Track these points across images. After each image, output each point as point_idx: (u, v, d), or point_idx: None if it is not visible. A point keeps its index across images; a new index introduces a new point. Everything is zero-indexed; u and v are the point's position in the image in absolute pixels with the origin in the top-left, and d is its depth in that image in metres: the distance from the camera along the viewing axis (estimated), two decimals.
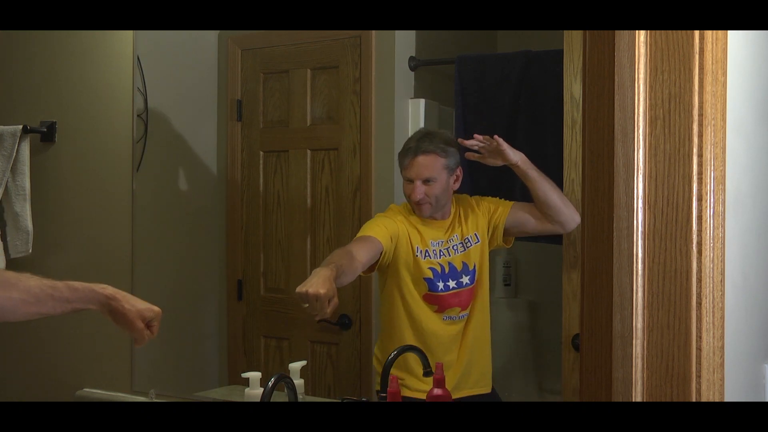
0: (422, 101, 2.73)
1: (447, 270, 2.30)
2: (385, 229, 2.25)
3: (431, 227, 2.32)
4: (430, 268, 2.28)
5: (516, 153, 2.22)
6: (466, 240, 2.33)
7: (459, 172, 2.33)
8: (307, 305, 1.86)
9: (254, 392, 2.10)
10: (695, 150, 1.30)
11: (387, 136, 2.66)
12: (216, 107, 2.95)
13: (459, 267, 2.30)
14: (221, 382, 2.93)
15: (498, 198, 2.36)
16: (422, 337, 2.28)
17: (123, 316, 1.61)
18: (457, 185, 2.34)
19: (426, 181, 2.27)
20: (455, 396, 2.12)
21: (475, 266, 2.32)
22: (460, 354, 2.32)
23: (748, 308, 1.50)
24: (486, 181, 2.58)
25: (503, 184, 2.62)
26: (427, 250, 2.30)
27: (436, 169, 2.27)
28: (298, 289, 1.86)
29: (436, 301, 2.30)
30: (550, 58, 2.46)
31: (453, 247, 2.32)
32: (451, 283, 2.29)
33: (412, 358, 2.20)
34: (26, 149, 2.83)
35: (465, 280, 2.31)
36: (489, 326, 2.37)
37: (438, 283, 2.28)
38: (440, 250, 2.31)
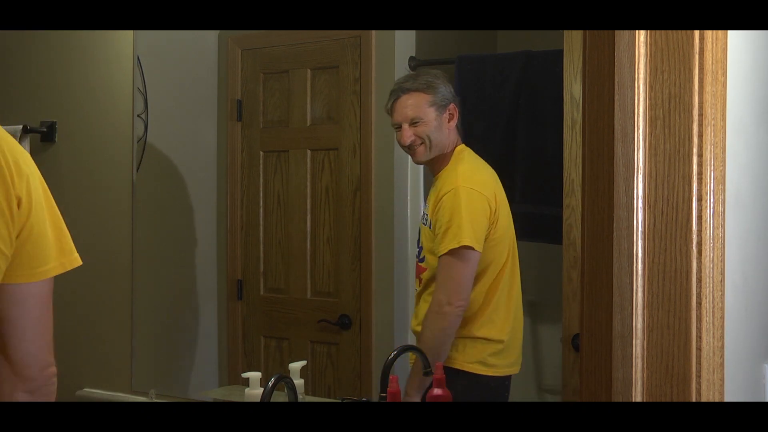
0: None
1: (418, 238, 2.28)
2: None
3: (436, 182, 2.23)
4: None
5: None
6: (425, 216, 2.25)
7: (452, 109, 2.18)
8: None
9: (254, 392, 2.10)
10: (695, 150, 1.30)
11: (387, 136, 2.65)
12: (216, 107, 2.95)
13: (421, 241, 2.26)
14: (221, 382, 2.93)
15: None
16: None
17: None
18: (453, 123, 2.19)
19: (413, 123, 2.14)
20: None
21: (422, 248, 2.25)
22: None
23: (748, 308, 1.50)
24: None
25: (503, 185, 2.62)
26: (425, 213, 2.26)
27: (422, 107, 2.14)
28: None
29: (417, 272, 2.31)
30: (550, 58, 2.46)
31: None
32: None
33: None
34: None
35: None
36: None
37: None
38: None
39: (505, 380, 2.26)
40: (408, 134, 2.15)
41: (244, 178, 2.91)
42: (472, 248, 2.07)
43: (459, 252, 2.07)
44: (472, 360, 2.19)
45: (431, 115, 2.15)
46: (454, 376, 2.14)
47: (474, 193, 2.10)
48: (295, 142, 2.84)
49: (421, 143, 2.16)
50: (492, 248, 2.16)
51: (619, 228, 1.34)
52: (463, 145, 2.24)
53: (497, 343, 2.20)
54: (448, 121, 2.19)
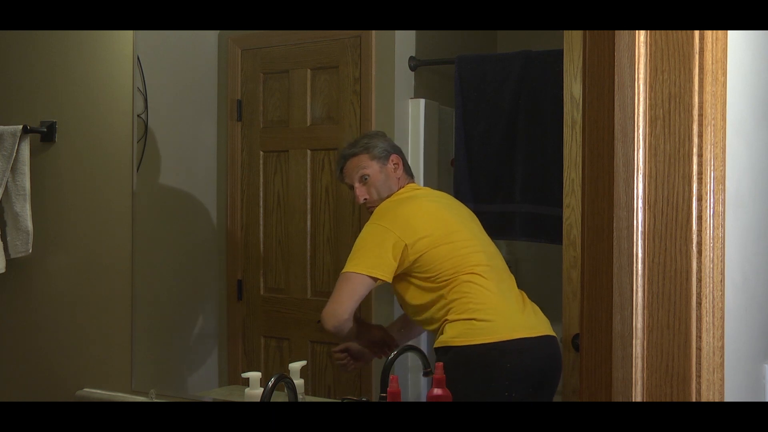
0: (422, 101, 2.73)
1: None
2: None
3: None
4: None
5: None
6: None
7: (395, 159, 2.35)
8: None
9: (254, 392, 2.10)
10: (695, 150, 1.30)
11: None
12: (216, 107, 2.95)
13: None
14: (221, 382, 2.93)
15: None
16: None
17: None
18: (400, 171, 2.36)
19: (363, 181, 2.33)
20: None
21: None
22: None
23: (748, 308, 1.50)
24: (485, 181, 2.58)
25: (503, 185, 2.62)
26: None
27: (365, 165, 2.32)
28: None
29: None
30: (550, 58, 2.46)
31: None
32: None
33: None
34: (26, 149, 2.83)
35: None
36: None
37: None
38: None
39: (498, 347, 2.19)
40: (360, 192, 2.33)
41: (244, 178, 2.91)
42: (355, 273, 2.23)
43: (343, 274, 2.25)
44: (454, 335, 2.20)
45: (375, 167, 2.33)
46: (443, 355, 2.15)
47: (378, 228, 2.25)
48: (295, 142, 2.84)
49: (374, 200, 2.33)
50: (432, 266, 2.23)
51: (619, 228, 1.34)
52: (407, 186, 2.36)
53: (476, 318, 2.22)
54: (394, 171, 2.35)
